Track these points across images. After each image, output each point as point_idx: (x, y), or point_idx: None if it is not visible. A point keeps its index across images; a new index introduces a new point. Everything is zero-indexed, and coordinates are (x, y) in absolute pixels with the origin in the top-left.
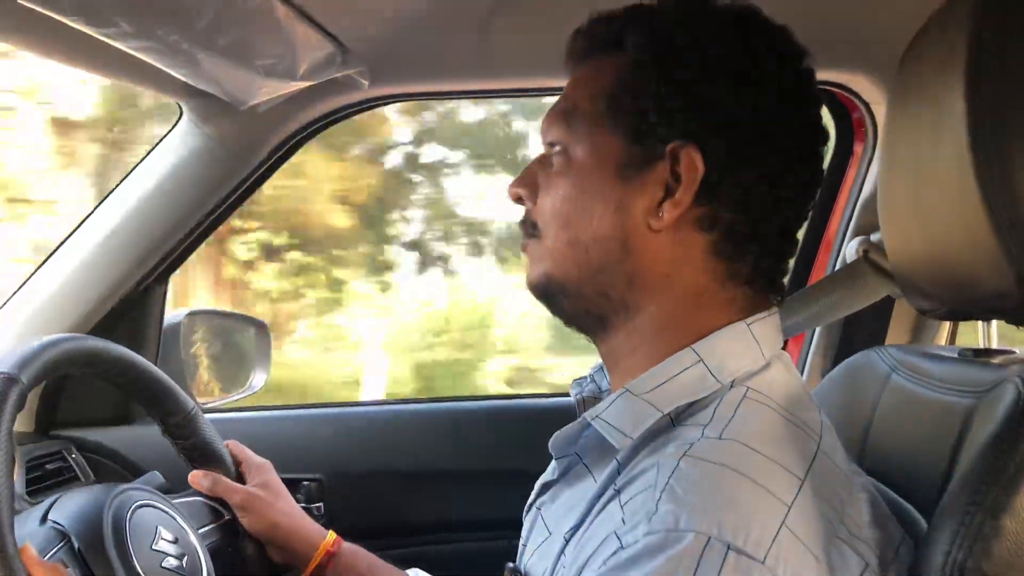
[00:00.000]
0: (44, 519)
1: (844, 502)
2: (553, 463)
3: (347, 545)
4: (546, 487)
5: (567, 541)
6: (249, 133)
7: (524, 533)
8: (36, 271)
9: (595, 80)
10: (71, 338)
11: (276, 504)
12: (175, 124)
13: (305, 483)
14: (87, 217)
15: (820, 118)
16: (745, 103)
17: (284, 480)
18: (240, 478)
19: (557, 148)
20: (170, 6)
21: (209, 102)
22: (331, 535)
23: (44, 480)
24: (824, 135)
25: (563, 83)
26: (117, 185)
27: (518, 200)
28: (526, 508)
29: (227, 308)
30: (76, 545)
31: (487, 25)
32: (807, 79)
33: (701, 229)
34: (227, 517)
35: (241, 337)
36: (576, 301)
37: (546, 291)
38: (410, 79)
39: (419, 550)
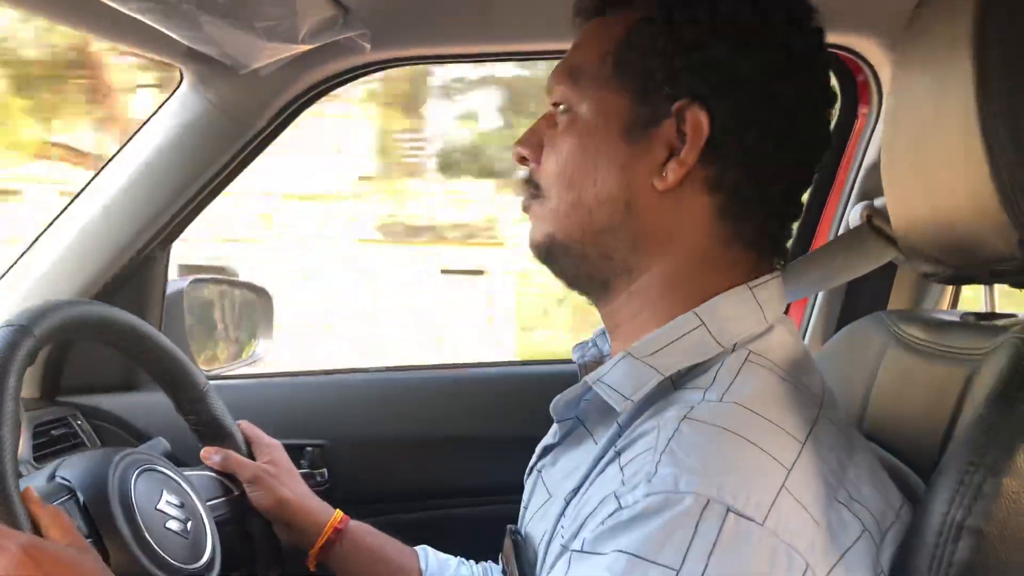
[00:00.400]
0: (52, 477)
1: (844, 466)
2: (554, 426)
3: (354, 523)
4: (547, 450)
5: (567, 503)
6: (250, 97)
7: (525, 496)
8: (38, 238)
9: (602, 38)
10: (87, 303)
11: (285, 481)
12: (176, 89)
13: (309, 449)
14: (88, 183)
15: (828, 79)
16: (753, 63)
17: (288, 446)
18: (250, 456)
19: (562, 107)
20: None
21: (210, 66)
22: (338, 513)
23: (50, 446)
24: (832, 97)
25: (564, 45)
26: (118, 151)
27: (522, 160)
28: (527, 471)
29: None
30: (81, 499)
31: None
32: (816, 39)
33: (706, 190)
34: (236, 493)
35: (244, 304)
36: (579, 263)
37: (549, 252)
38: (411, 42)
39: (421, 515)
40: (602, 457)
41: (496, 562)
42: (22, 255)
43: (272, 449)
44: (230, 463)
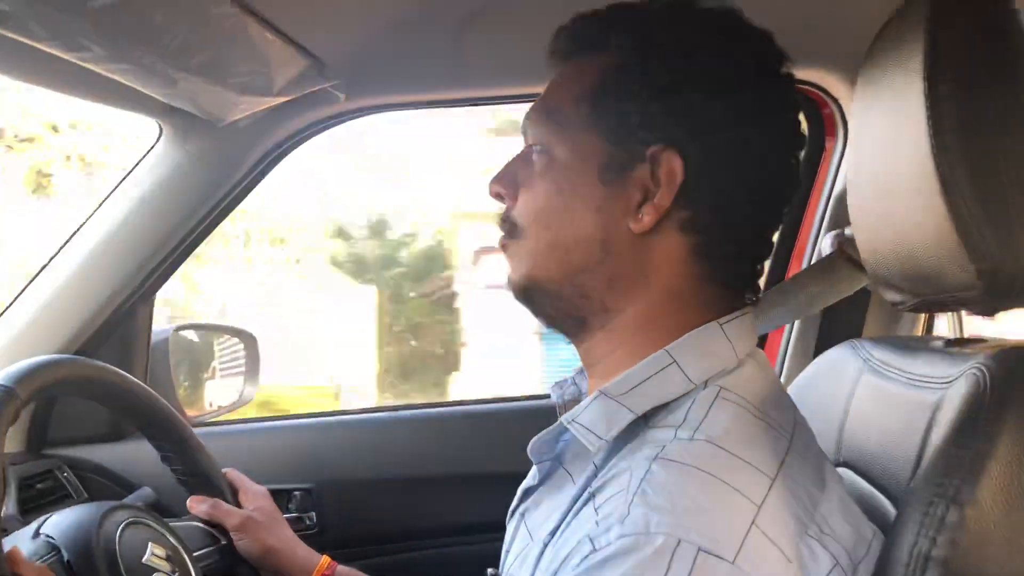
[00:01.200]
0: (36, 534)
1: (815, 500)
2: (534, 468)
3: (341, 568)
4: (528, 492)
5: (545, 545)
6: (228, 149)
7: (507, 539)
8: (23, 291)
9: (578, 81)
10: (70, 360)
11: (271, 529)
12: (155, 143)
13: (296, 493)
14: (71, 237)
15: (799, 124)
16: (726, 109)
17: (275, 491)
18: (237, 504)
19: (538, 147)
20: (142, 28)
21: (187, 120)
22: (324, 559)
23: (37, 500)
24: (801, 141)
25: (538, 89)
26: (100, 205)
27: (497, 197)
28: (509, 514)
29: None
30: (66, 557)
31: (461, 35)
32: (787, 85)
33: (680, 231)
34: (223, 542)
35: (230, 349)
36: (556, 301)
37: (527, 292)
38: (386, 90)
39: (409, 556)
40: (578, 498)
41: None
42: (8, 307)
43: (259, 497)
44: (217, 512)
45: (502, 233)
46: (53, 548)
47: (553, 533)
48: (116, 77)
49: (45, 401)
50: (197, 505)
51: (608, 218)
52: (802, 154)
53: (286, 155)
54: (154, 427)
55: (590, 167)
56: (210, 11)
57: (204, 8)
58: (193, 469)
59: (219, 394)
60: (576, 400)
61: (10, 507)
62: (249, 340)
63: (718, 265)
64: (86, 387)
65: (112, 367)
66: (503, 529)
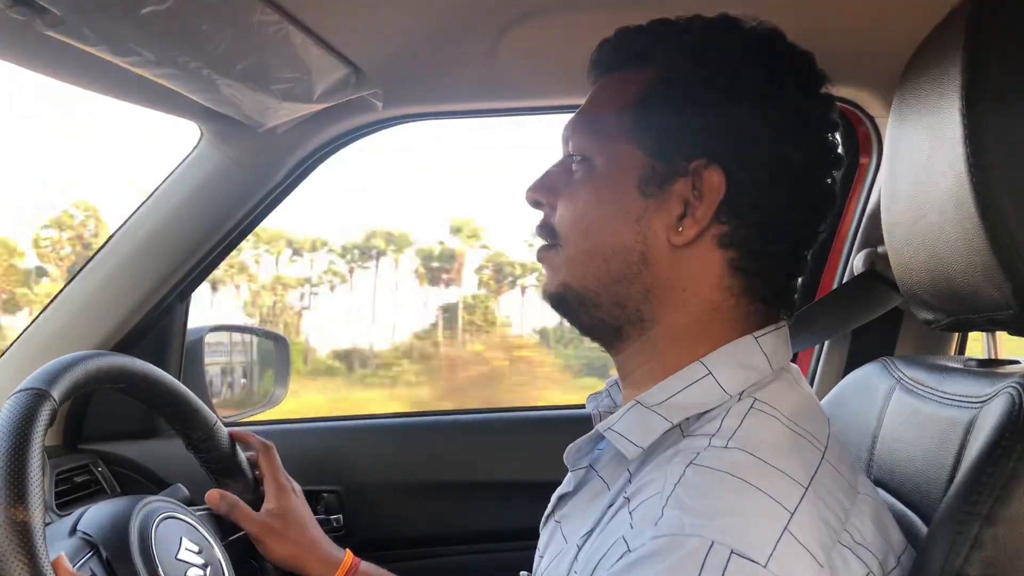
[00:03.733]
0: (73, 530)
1: (848, 510)
2: (569, 475)
3: (364, 564)
4: (563, 499)
5: (579, 548)
6: (267, 154)
7: (541, 544)
8: (63, 289)
9: (622, 93)
10: (99, 355)
11: (288, 533)
12: (196, 146)
13: (324, 495)
14: (111, 237)
15: (838, 144)
16: (768, 126)
17: (303, 492)
18: (261, 494)
19: (579, 157)
20: (189, 35)
21: (228, 124)
22: (348, 555)
23: (73, 493)
24: (840, 161)
25: (572, 101)
26: (140, 206)
27: (535, 205)
28: (543, 520)
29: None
30: (104, 555)
31: (498, 46)
32: (828, 105)
33: (719, 246)
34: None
35: (261, 351)
36: (593, 311)
37: (563, 301)
38: (422, 100)
39: (436, 561)
40: (613, 503)
41: None
42: (47, 307)
43: (281, 493)
44: (235, 516)
45: (541, 242)
46: (91, 546)
47: (587, 536)
48: (161, 81)
49: (81, 397)
50: (218, 502)
51: (647, 229)
52: (840, 173)
53: (323, 161)
54: (179, 415)
55: (631, 178)
56: (254, 19)
57: (248, 16)
58: (217, 456)
59: (251, 395)
60: (610, 411)
61: (47, 498)
62: (281, 343)
63: (754, 280)
64: (115, 379)
65: (138, 359)
66: (531, 537)
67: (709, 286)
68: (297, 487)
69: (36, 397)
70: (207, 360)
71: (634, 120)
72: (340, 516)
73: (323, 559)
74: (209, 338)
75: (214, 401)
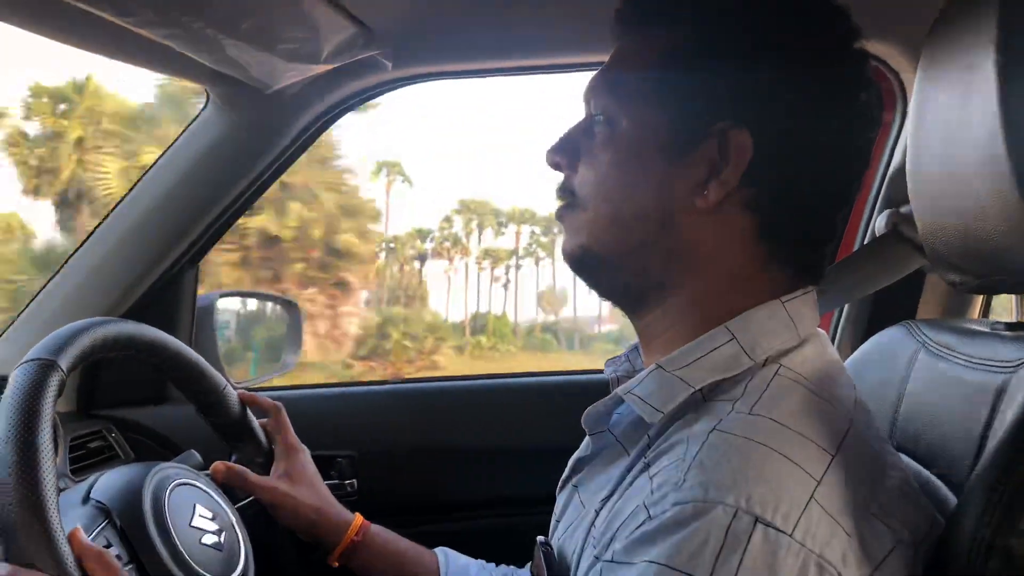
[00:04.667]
0: (87, 498)
1: (875, 479)
2: (587, 439)
3: (374, 527)
4: (580, 464)
5: (597, 513)
6: (275, 116)
7: (558, 509)
8: (71, 256)
9: (647, 52)
10: (105, 322)
11: (297, 496)
12: (203, 109)
13: (339, 460)
14: (119, 203)
15: (871, 105)
16: (799, 86)
17: (317, 457)
18: (271, 454)
19: (601, 117)
20: None
21: (235, 87)
22: (357, 518)
23: (87, 459)
24: (876, 122)
25: (586, 59)
26: (147, 170)
27: (556, 167)
28: (559, 485)
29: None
30: (118, 523)
31: (509, 3)
32: (861, 63)
33: (744, 210)
34: None
35: (272, 317)
36: (613, 275)
37: (582, 263)
38: (432, 59)
39: (450, 526)
40: (632, 468)
41: (520, 567)
42: (56, 273)
43: (290, 454)
44: (245, 485)
45: (561, 203)
46: (105, 514)
47: (605, 500)
48: (166, 42)
49: (93, 364)
50: (224, 474)
51: (671, 193)
52: (875, 135)
53: (333, 123)
54: (189, 379)
55: (655, 141)
56: None
57: None
58: (227, 419)
59: (262, 360)
60: (629, 376)
61: (61, 464)
62: (291, 308)
63: (782, 246)
64: (122, 346)
65: (146, 326)
66: (546, 503)
67: (734, 251)
68: (306, 449)
69: (44, 368)
70: (217, 326)
71: (659, 80)
72: (354, 481)
73: (333, 520)
74: (219, 304)
75: (225, 368)
